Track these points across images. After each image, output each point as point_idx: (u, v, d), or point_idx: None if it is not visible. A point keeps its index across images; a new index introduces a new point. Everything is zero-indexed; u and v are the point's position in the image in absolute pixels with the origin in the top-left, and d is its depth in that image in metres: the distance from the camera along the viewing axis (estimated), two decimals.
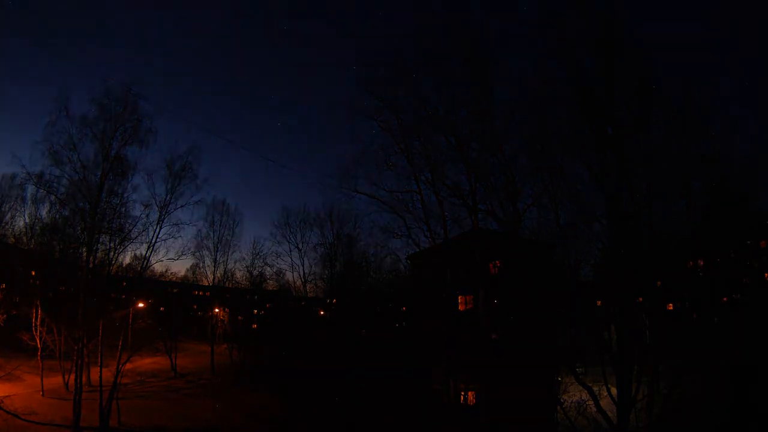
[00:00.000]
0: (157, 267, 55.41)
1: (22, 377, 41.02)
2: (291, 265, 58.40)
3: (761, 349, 20.54)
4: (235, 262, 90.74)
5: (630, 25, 20.25)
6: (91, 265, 30.23)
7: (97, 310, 30.67)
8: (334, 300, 52.05)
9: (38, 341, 40.01)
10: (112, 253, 31.22)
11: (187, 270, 64.82)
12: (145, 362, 52.83)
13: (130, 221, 31.44)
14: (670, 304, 22.69)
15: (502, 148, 23.16)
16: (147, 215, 31.85)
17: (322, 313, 58.53)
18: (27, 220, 46.33)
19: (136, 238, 31.64)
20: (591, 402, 19.99)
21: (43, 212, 37.85)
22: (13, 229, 47.60)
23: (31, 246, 43.69)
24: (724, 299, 22.80)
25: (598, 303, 22.71)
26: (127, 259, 35.74)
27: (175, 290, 69.69)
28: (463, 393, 28.39)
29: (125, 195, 31.02)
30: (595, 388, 19.83)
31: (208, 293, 66.46)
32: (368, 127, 26.29)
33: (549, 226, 21.27)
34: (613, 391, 19.00)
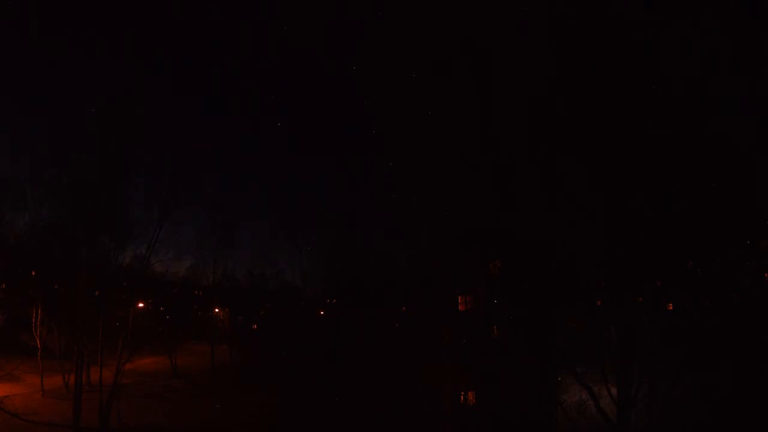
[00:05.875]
0: (157, 267, 55.40)
1: (22, 377, 41.06)
2: (291, 265, 58.82)
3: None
4: (235, 262, 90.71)
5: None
6: (90, 266, 30.23)
7: (97, 309, 30.68)
8: (334, 300, 52.07)
9: (38, 341, 40.01)
10: (112, 253, 31.25)
11: (187, 270, 64.70)
12: (145, 362, 52.88)
13: (130, 221, 31.49)
14: (670, 304, 22.65)
15: (502, 148, 23.13)
16: (147, 215, 31.87)
17: (322, 313, 58.58)
18: (27, 220, 46.31)
19: (136, 237, 31.68)
20: (591, 402, 19.98)
21: (43, 212, 37.88)
22: (13, 229, 47.53)
23: (31, 246, 43.65)
24: (724, 299, 22.75)
25: (598, 303, 22.68)
26: (127, 259, 35.70)
27: (175, 290, 69.65)
28: (463, 393, 28.36)
29: (125, 195, 31.07)
30: (595, 388, 19.82)
31: (208, 293, 66.43)
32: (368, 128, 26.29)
33: (549, 226, 21.24)
34: (613, 391, 18.99)
